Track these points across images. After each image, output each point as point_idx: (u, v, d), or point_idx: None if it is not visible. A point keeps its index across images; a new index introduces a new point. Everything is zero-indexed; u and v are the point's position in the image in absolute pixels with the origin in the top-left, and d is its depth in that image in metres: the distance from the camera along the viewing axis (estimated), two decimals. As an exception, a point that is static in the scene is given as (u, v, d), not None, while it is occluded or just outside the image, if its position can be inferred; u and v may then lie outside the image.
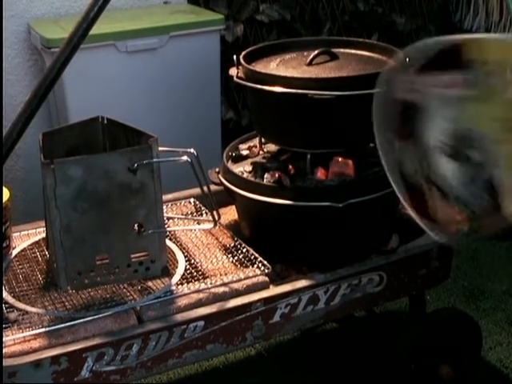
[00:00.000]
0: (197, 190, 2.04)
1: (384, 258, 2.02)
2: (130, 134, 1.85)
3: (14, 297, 1.81)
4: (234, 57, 2.07)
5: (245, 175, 2.04)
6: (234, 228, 2.15)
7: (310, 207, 1.92)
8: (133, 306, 1.76)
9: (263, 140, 2.18)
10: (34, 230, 2.11)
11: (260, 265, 1.93)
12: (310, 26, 3.43)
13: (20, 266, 1.95)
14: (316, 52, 2.06)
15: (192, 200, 2.29)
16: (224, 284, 1.85)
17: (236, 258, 1.98)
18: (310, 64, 2.04)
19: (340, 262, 1.95)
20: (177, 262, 1.95)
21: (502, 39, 1.66)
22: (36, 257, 1.99)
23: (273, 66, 2.08)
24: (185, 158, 1.81)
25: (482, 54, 1.40)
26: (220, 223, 2.03)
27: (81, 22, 1.63)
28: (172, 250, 2.01)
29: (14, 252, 2.00)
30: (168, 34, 2.75)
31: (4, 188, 1.89)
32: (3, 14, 2.70)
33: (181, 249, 2.03)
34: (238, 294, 1.84)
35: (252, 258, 1.96)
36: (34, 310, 1.76)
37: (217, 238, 2.10)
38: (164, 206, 1.94)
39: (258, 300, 1.82)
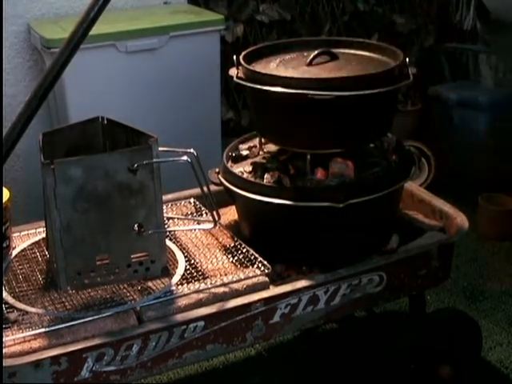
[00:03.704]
0: (197, 190, 2.03)
1: (384, 257, 2.02)
2: (130, 134, 1.86)
3: (14, 297, 1.81)
4: (234, 57, 2.07)
5: (245, 175, 2.04)
6: (233, 228, 2.15)
7: (309, 207, 1.92)
8: (133, 307, 1.76)
9: (263, 140, 2.18)
10: (34, 230, 2.11)
11: (260, 265, 1.92)
12: (310, 26, 3.43)
13: (20, 266, 1.95)
14: (316, 52, 2.06)
15: (192, 200, 2.29)
16: (224, 284, 1.85)
17: (236, 258, 1.98)
18: (309, 64, 2.04)
19: (340, 262, 1.95)
20: (177, 262, 1.95)
21: None
22: (36, 257, 1.99)
23: (273, 67, 2.08)
24: (185, 158, 1.81)
25: None
26: (220, 223, 2.03)
27: (81, 22, 1.63)
28: (172, 250, 2.01)
29: (14, 252, 2.00)
30: (168, 34, 2.75)
31: (4, 188, 1.89)
32: (3, 14, 2.70)
33: (181, 249, 2.03)
34: (238, 294, 1.83)
35: (252, 258, 1.96)
36: (33, 310, 1.76)
37: (217, 238, 2.10)
38: (164, 206, 1.94)
39: (258, 300, 1.82)
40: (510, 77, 3.45)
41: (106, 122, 1.93)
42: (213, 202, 1.92)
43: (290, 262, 2.02)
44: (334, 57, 2.09)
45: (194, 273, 1.91)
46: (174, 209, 2.26)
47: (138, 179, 1.75)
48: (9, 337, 1.65)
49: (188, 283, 1.86)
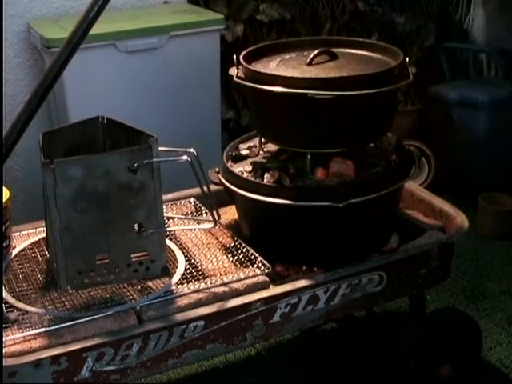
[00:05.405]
0: (197, 190, 2.04)
1: (384, 257, 2.02)
2: (130, 134, 1.86)
3: (14, 297, 1.81)
4: (234, 57, 2.07)
5: (245, 175, 2.04)
6: (234, 228, 2.15)
7: (309, 207, 1.92)
8: (133, 306, 1.76)
9: (263, 140, 2.18)
10: (34, 230, 2.11)
11: (260, 265, 1.92)
12: (310, 26, 3.43)
13: (20, 266, 1.95)
14: (316, 52, 2.06)
15: (192, 200, 2.29)
16: (224, 284, 1.85)
17: (236, 257, 1.98)
18: (309, 64, 2.04)
19: (340, 262, 1.95)
20: (177, 262, 1.95)
21: None
22: (36, 257, 1.99)
23: (273, 66, 2.07)
24: (185, 157, 1.81)
25: None
26: (220, 223, 2.02)
27: (81, 22, 1.63)
28: (172, 250, 2.01)
29: (14, 252, 2.00)
30: (168, 33, 2.75)
31: (4, 188, 1.89)
32: (3, 14, 2.70)
33: (181, 249, 2.03)
34: (237, 293, 1.83)
35: (252, 257, 1.96)
36: (33, 309, 1.75)
37: (217, 238, 2.10)
38: (164, 206, 1.95)
39: (258, 300, 1.82)
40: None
41: (105, 121, 1.93)
42: (213, 202, 1.92)
43: (289, 261, 2.02)
44: (333, 56, 2.09)
45: (194, 272, 1.91)
46: (174, 208, 2.26)
47: (138, 179, 1.75)
48: (9, 336, 1.65)
49: (188, 283, 1.86)
